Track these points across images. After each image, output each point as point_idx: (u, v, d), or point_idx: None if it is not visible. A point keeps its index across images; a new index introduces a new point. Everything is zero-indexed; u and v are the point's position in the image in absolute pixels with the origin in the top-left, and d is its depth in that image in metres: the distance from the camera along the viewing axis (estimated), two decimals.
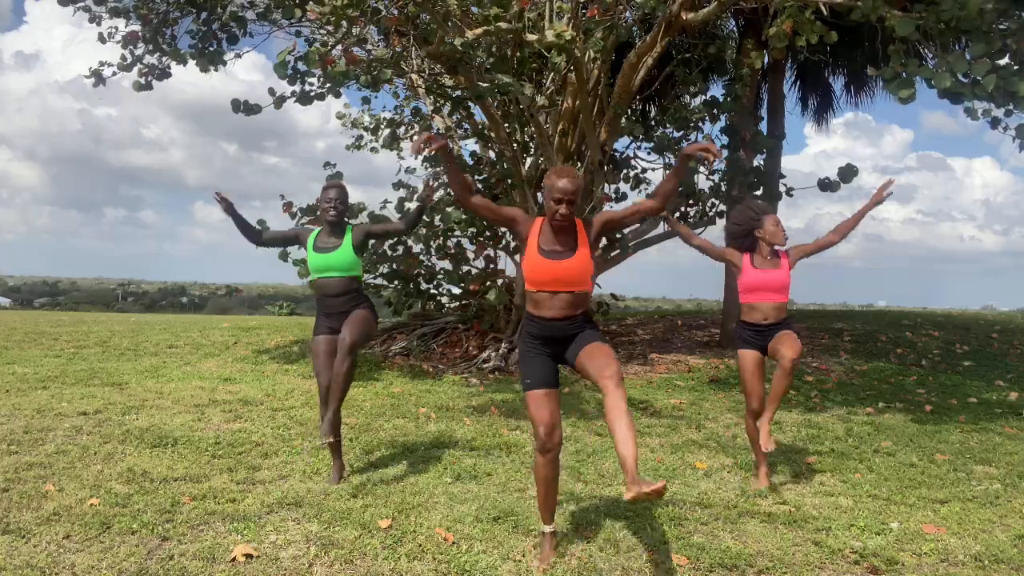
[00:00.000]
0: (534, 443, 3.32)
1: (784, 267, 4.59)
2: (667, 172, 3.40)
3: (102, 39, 8.36)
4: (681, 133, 9.86)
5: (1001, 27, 5.96)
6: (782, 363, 4.41)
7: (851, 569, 3.43)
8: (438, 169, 10.30)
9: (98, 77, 8.53)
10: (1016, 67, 5.93)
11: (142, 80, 8.55)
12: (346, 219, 4.66)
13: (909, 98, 6.27)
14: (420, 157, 3.18)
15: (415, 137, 3.39)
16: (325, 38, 8.53)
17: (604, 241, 3.36)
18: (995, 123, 6.28)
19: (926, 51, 6.38)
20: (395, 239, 9.65)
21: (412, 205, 10.05)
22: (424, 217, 9.52)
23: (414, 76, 9.37)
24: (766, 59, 10.23)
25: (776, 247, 4.61)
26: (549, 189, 3.23)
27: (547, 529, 3.39)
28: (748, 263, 4.61)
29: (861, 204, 4.86)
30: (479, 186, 9.97)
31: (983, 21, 5.78)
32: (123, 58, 8.47)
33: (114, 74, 8.55)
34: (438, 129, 10.43)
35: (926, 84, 6.18)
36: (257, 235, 4.79)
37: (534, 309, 3.33)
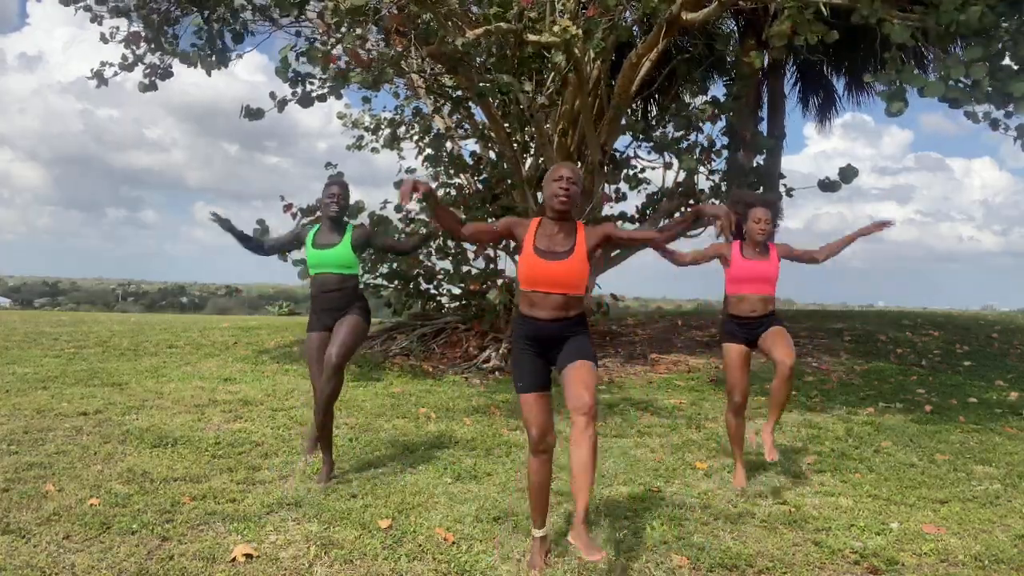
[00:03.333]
0: (527, 445, 3.31)
1: (773, 259, 4.56)
2: (680, 215, 3.47)
3: (104, 39, 8.36)
4: (681, 132, 9.86)
5: (1003, 26, 5.95)
6: (780, 369, 4.40)
7: (851, 569, 3.43)
8: (438, 169, 10.30)
9: (100, 78, 8.52)
10: (1016, 68, 5.91)
11: (146, 81, 8.54)
12: (346, 218, 4.68)
13: (899, 112, 6.30)
14: (410, 202, 3.28)
15: (402, 183, 3.39)
16: (324, 38, 8.53)
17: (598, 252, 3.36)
18: (995, 125, 6.27)
19: (927, 53, 6.37)
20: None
21: (412, 205, 10.05)
22: (424, 217, 9.52)
23: (414, 76, 9.36)
24: (766, 59, 10.23)
25: (762, 240, 4.56)
26: (549, 178, 3.28)
27: (538, 533, 3.32)
28: (737, 253, 4.57)
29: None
30: (479, 187, 9.94)
31: (982, 24, 5.77)
32: (124, 58, 8.46)
33: (116, 74, 8.54)
34: (438, 129, 10.43)
35: (918, 93, 6.19)
36: (259, 246, 4.84)
37: (527, 309, 3.30)
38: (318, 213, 4.69)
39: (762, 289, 4.54)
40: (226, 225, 4.69)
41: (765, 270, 4.53)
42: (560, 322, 3.27)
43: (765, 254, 4.57)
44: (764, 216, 4.54)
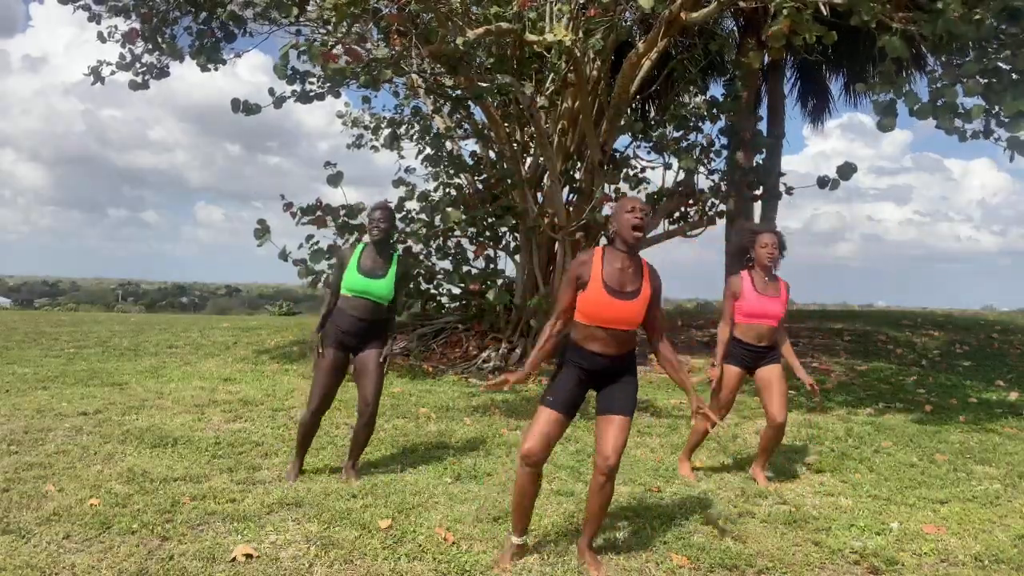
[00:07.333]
0: (518, 453, 3.29)
1: (783, 295, 4.63)
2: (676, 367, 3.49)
3: (102, 38, 8.35)
4: (681, 132, 9.86)
5: (1000, 37, 5.94)
6: (772, 424, 4.57)
7: (851, 569, 3.43)
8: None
9: (96, 75, 8.50)
10: (1014, 77, 5.91)
11: (139, 79, 8.53)
12: (392, 241, 4.55)
13: (889, 128, 6.34)
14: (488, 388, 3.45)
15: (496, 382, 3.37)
16: (325, 37, 8.52)
17: None
18: (987, 133, 6.28)
19: (926, 61, 6.38)
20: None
21: (412, 204, 10.04)
22: (424, 217, 9.48)
23: (414, 76, 9.35)
24: (765, 59, 10.22)
25: (774, 271, 4.63)
26: (621, 209, 3.24)
27: (516, 540, 3.32)
28: (749, 287, 4.60)
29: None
30: (479, 187, 9.90)
31: (979, 32, 5.75)
32: (122, 57, 8.45)
33: (112, 73, 8.53)
34: (438, 129, 10.41)
35: (908, 112, 6.23)
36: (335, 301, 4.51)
37: (584, 343, 3.26)
38: (367, 233, 4.54)
39: (771, 322, 4.60)
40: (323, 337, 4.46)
41: (775, 309, 4.58)
42: (616, 358, 3.28)
43: (776, 288, 4.61)
44: (771, 240, 4.59)
